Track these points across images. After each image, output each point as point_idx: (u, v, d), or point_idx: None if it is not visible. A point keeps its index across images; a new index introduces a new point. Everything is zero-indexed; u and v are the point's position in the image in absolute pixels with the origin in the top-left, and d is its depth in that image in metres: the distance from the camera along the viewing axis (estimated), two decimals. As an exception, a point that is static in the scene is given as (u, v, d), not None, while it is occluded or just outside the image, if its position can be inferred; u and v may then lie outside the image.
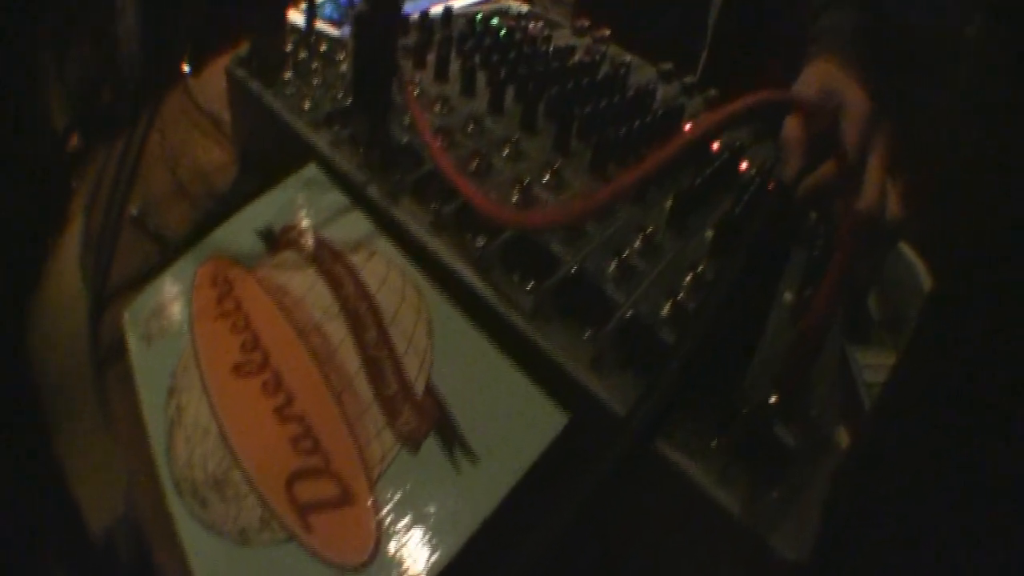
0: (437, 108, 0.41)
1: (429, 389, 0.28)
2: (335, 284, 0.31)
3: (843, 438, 0.42)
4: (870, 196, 0.46)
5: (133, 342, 0.35)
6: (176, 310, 0.34)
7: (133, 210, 0.47)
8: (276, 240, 0.35)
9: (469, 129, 0.39)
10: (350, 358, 0.29)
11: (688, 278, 0.33)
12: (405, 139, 0.37)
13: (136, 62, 0.68)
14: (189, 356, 0.32)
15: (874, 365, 0.44)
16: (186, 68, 0.62)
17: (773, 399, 0.30)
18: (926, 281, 0.55)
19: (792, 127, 0.45)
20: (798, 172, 0.43)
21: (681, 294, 0.31)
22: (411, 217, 0.32)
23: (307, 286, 0.32)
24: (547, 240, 0.32)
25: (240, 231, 0.35)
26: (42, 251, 0.50)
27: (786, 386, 0.30)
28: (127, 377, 0.34)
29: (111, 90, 0.67)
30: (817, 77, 0.52)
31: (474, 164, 0.35)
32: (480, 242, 0.31)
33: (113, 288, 0.41)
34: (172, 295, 0.35)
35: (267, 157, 0.45)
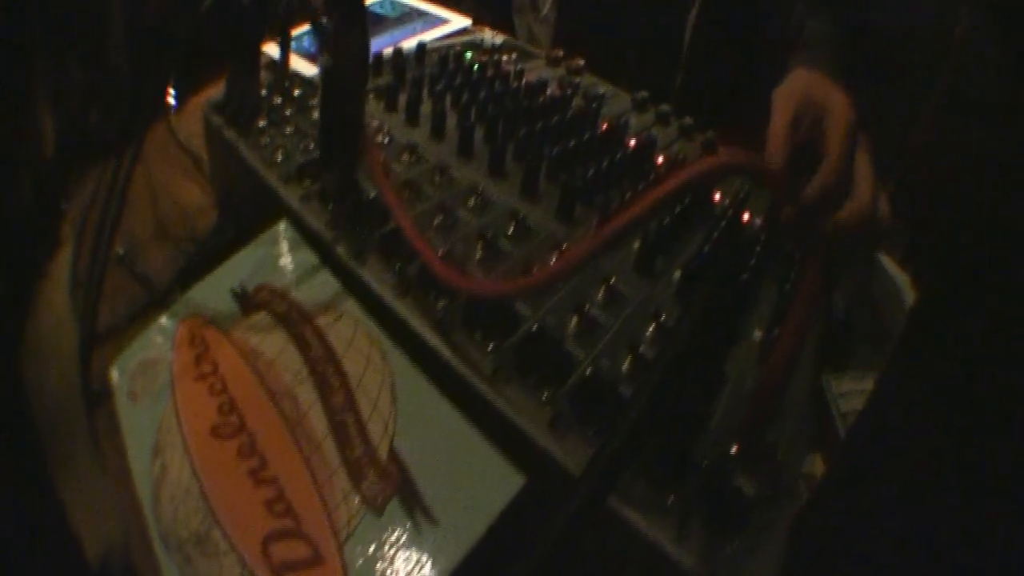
0: (405, 157, 0.41)
1: (392, 453, 0.29)
2: (304, 347, 0.32)
3: (818, 468, 0.42)
4: (863, 195, 0.45)
5: (120, 399, 0.36)
6: (158, 369, 0.36)
7: (119, 249, 0.48)
8: (250, 300, 0.36)
9: (436, 180, 0.39)
10: (319, 423, 0.30)
11: (651, 328, 0.33)
12: (373, 193, 0.37)
13: (124, 86, 0.69)
14: (171, 416, 0.34)
15: (850, 392, 0.44)
16: (172, 93, 0.62)
17: (734, 449, 0.30)
18: (909, 295, 0.54)
19: (774, 143, 0.45)
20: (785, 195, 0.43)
21: (642, 346, 0.31)
22: (376, 277, 0.33)
23: (278, 349, 0.33)
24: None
25: (215, 291, 0.36)
26: (37, 266, 0.51)
27: (748, 434, 0.30)
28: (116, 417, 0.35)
29: (99, 113, 0.68)
30: (800, 84, 0.51)
31: (439, 219, 0.36)
32: (442, 303, 0.31)
33: (102, 330, 0.42)
34: (154, 353, 0.36)
35: (245, 202, 0.46)
